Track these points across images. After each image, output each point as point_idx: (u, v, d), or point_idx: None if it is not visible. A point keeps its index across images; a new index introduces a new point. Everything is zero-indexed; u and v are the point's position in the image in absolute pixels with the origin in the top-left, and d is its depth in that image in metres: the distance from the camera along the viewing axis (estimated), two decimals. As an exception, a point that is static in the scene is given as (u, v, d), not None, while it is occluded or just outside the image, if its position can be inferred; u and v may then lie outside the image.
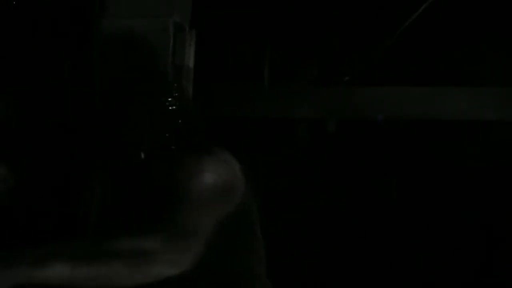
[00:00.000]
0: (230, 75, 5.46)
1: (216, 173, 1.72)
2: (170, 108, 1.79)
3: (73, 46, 1.80)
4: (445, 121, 5.05)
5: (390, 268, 5.09)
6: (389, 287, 5.08)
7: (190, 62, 2.20)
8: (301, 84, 5.62)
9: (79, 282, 1.49)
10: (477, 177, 5.08)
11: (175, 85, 1.89)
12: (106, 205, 1.82)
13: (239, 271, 1.84)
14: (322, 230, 5.22)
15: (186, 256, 1.60)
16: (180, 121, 1.80)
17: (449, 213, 5.09)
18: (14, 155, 1.87)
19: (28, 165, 1.85)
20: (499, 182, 5.03)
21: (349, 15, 5.17)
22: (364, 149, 5.38)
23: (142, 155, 1.78)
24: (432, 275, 5.05)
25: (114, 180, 1.83)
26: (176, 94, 1.82)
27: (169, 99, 1.79)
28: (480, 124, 4.99)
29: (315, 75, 5.74)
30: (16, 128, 1.90)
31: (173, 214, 1.62)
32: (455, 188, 5.11)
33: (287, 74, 5.66)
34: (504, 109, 4.85)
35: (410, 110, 5.08)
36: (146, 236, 1.55)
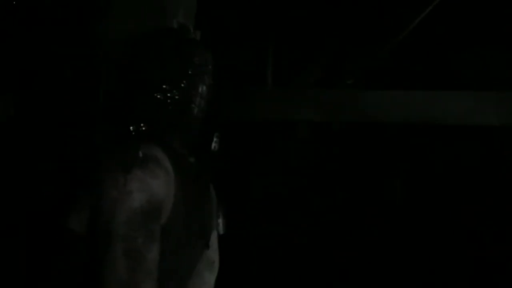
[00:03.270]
0: (233, 79, 5.45)
1: (143, 192, 1.58)
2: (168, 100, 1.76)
3: (77, 47, 1.78)
4: (449, 125, 5.03)
5: (393, 269, 5.07)
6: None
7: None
8: (304, 86, 5.61)
9: None
10: (479, 180, 5.06)
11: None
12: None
13: None
14: (326, 232, 5.21)
15: None
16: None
17: (452, 216, 5.07)
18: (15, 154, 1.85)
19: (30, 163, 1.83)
20: (502, 185, 5.01)
21: (353, 17, 5.16)
22: (368, 152, 5.36)
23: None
24: (435, 277, 5.03)
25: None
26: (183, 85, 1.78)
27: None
28: (484, 128, 4.97)
29: (319, 78, 5.72)
30: (18, 127, 1.89)
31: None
32: (457, 190, 5.09)
33: (290, 76, 5.64)
34: (509, 114, 4.83)
35: (414, 114, 5.06)
36: None
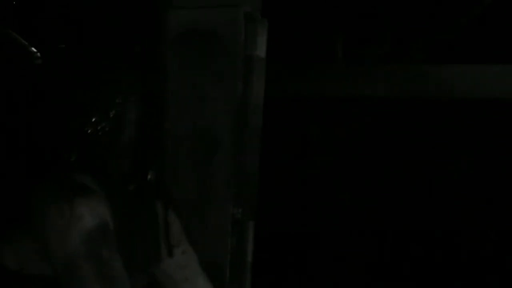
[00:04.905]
0: (302, 55, 5.42)
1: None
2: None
3: (139, 39, 1.74)
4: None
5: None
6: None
7: (262, 52, 2.12)
8: (373, 62, 5.53)
9: None
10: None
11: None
12: None
13: None
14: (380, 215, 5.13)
15: None
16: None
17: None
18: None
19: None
20: None
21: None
22: (435, 130, 5.23)
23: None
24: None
25: None
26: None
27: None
28: None
29: (388, 53, 5.64)
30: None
31: None
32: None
33: (360, 52, 5.57)
34: None
35: (486, 89, 4.94)
36: None
